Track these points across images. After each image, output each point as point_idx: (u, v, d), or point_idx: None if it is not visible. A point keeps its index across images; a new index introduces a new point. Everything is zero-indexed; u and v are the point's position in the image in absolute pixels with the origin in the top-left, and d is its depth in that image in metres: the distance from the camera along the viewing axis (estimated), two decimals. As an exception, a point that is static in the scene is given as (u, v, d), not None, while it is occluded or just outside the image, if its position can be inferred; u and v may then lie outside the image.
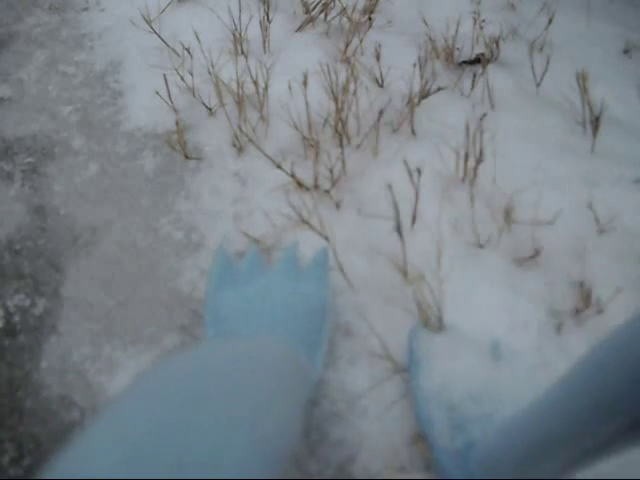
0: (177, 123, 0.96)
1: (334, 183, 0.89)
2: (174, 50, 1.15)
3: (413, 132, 0.96)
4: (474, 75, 1.01)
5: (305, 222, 0.78)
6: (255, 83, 0.98)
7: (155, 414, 0.33)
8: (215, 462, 0.31)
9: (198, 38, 1.09)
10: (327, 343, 0.69)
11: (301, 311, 0.67)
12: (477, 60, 1.09)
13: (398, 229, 0.68)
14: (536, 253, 0.79)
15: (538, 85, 1.03)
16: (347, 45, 1.09)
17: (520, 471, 0.53)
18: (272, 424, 0.38)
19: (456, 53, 1.09)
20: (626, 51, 1.11)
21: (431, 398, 0.67)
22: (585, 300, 0.74)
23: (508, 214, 0.81)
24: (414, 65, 0.99)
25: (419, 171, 0.73)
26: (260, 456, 0.34)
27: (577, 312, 0.75)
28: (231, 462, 0.32)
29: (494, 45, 1.08)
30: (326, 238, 0.79)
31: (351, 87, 1.00)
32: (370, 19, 1.18)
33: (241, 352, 0.45)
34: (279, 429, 0.38)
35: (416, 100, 0.98)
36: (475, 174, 0.90)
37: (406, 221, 0.85)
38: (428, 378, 0.68)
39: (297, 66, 1.07)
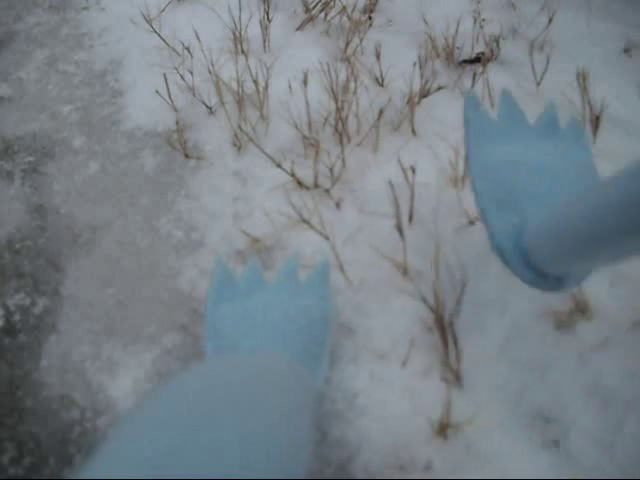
0: (177, 122, 0.96)
1: (334, 182, 0.89)
2: (174, 49, 1.14)
3: (413, 131, 0.96)
4: (474, 74, 1.01)
5: (305, 221, 0.78)
6: (255, 82, 0.98)
7: (169, 434, 0.32)
8: None
9: (198, 37, 1.09)
10: (329, 355, 0.68)
11: (302, 324, 0.66)
12: (477, 59, 1.09)
13: (399, 227, 0.68)
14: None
15: (538, 84, 1.03)
16: (347, 44, 1.09)
17: (575, 251, 0.52)
18: (286, 440, 0.37)
19: (456, 52, 1.09)
20: (626, 50, 1.11)
21: (481, 173, 0.64)
22: (582, 301, 0.74)
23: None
24: (414, 64, 0.99)
25: (413, 170, 0.73)
26: (277, 473, 0.34)
27: (572, 313, 0.75)
28: None
29: (494, 44, 1.08)
30: (326, 237, 0.79)
31: (351, 86, 1.00)
32: (370, 18, 1.18)
33: (249, 369, 0.45)
34: (292, 445, 0.38)
35: (416, 99, 0.98)
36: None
37: (404, 219, 0.85)
38: (480, 153, 0.65)
39: (297, 65, 1.07)
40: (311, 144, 0.94)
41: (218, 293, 0.70)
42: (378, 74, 1.06)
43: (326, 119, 0.97)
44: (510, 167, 0.63)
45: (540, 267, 0.59)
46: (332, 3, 1.17)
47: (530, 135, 0.67)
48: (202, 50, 1.08)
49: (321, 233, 0.78)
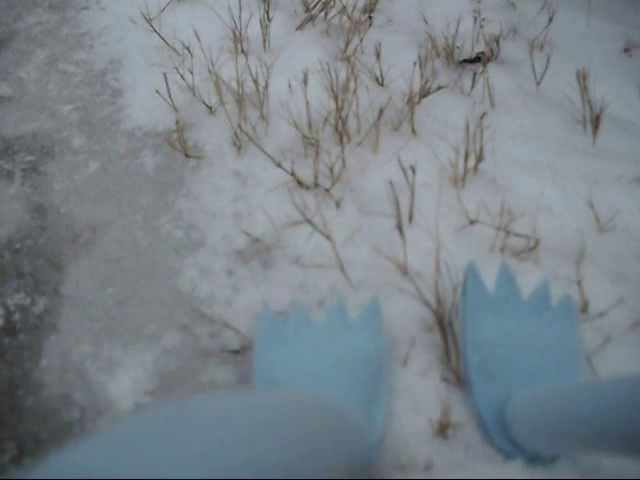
0: (177, 122, 0.96)
1: (334, 182, 0.89)
2: (174, 49, 1.14)
3: (413, 131, 0.96)
4: (474, 74, 1.01)
5: (307, 220, 0.78)
6: (255, 82, 0.98)
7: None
8: None
9: (198, 37, 1.09)
10: (386, 395, 0.67)
11: (356, 363, 0.65)
12: (477, 59, 1.09)
13: (399, 227, 0.68)
14: (536, 244, 0.79)
15: (538, 84, 1.03)
16: (347, 44, 1.09)
17: (551, 440, 0.56)
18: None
19: (456, 52, 1.09)
20: (626, 50, 1.11)
21: (474, 345, 0.68)
22: (582, 300, 0.74)
23: (508, 213, 0.81)
24: (414, 64, 0.99)
25: (413, 169, 0.73)
26: None
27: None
28: None
29: (494, 44, 1.08)
30: (327, 236, 0.79)
31: (351, 86, 1.00)
32: (370, 18, 1.18)
33: (276, 398, 0.44)
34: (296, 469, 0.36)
35: (416, 99, 0.98)
36: (475, 172, 0.90)
37: (404, 219, 0.85)
38: (474, 326, 0.69)
39: (297, 65, 1.07)
40: (311, 144, 0.94)
41: (267, 340, 0.68)
42: (378, 74, 1.06)
43: (326, 119, 0.97)
44: (500, 342, 0.67)
45: (517, 441, 0.62)
46: (332, 3, 1.17)
47: (523, 311, 0.70)
48: (202, 50, 1.08)
49: (321, 232, 0.78)
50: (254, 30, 1.15)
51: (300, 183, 0.90)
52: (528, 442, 0.61)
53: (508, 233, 0.81)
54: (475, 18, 1.11)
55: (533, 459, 0.63)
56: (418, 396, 0.70)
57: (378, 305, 0.73)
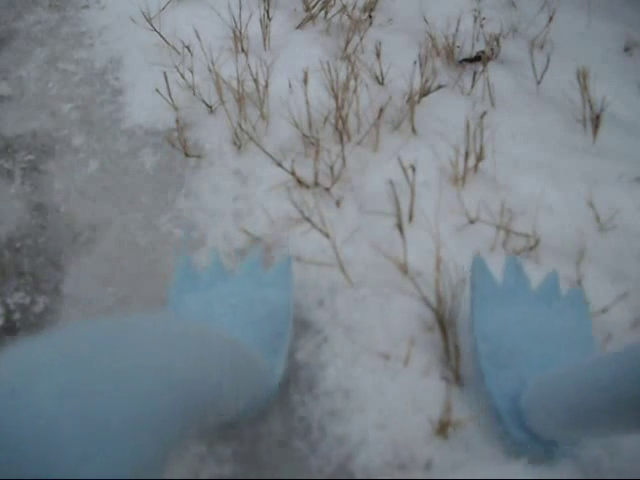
0: (177, 121, 0.96)
1: (334, 181, 0.89)
2: (174, 48, 1.14)
3: (413, 130, 0.96)
4: (474, 73, 1.01)
5: (306, 219, 0.78)
6: (255, 81, 0.98)
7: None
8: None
9: (198, 36, 1.09)
10: (288, 348, 0.69)
11: (263, 315, 0.68)
12: (477, 58, 1.09)
13: (399, 226, 0.68)
14: (536, 243, 0.79)
15: (538, 83, 1.03)
16: (347, 43, 1.08)
17: (568, 421, 0.55)
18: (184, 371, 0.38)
19: (456, 51, 1.09)
20: (627, 49, 1.11)
21: (484, 335, 0.67)
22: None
23: (508, 212, 0.81)
24: (414, 63, 0.99)
25: (413, 168, 0.73)
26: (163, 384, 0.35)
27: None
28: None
29: (494, 43, 1.08)
30: (327, 235, 0.79)
31: (351, 85, 1.00)
32: (370, 17, 1.18)
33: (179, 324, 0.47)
34: (193, 377, 0.39)
35: (416, 98, 0.98)
36: (475, 172, 0.90)
37: (404, 218, 0.85)
38: (484, 316, 0.69)
39: (297, 64, 1.07)
40: (311, 143, 0.94)
41: (181, 284, 0.71)
42: (378, 73, 1.06)
43: (326, 118, 0.97)
44: (511, 331, 0.67)
45: (533, 430, 0.62)
46: (332, 2, 1.17)
47: (532, 300, 0.70)
48: (202, 49, 1.08)
49: (321, 231, 0.78)
50: (254, 29, 1.15)
51: (300, 182, 0.90)
52: (544, 428, 0.60)
53: (508, 232, 0.81)
54: (475, 17, 1.11)
55: (546, 451, 0.62)
56: (418, 395, 0.70)
57: (289, 262, 0.75)
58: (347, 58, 1.06)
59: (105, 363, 0.32)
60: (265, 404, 0.67)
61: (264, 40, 1.11)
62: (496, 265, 0.75)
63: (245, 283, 0.71)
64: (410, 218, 0.84)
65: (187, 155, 0.97)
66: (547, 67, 1.00)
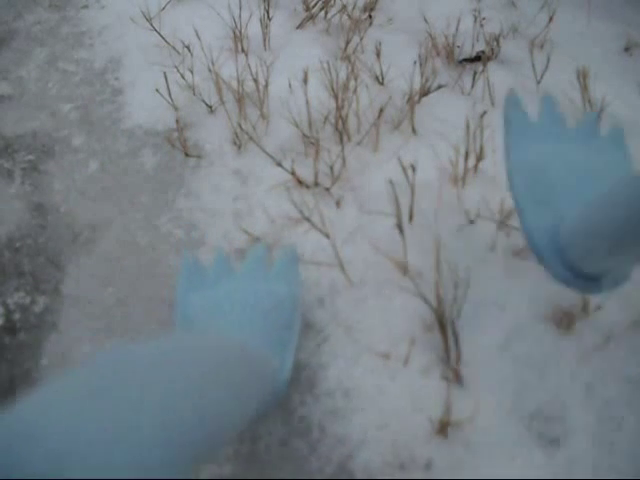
0: (177, 121, 0.96)
1: (334, 181, 0.89)
2: (174, 48, 1.14)
3: (413, 130, 0.96)
4: (474, 73, 1.01)
5: (306, 219, 0.78)
6: (255, 81, 0.98)
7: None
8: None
9: (198, 36, 1.09)
10: (297, 340, 0.69)
11: (270, 309, 0.67)
12: (477, 58, 1.09)
13: (399, 226, 0.68)
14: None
15: (538, 83, 1.03)
16: (347, 43, 1.09)
17: (608, 248, 0.52)
18: (188, 410, 0.38)
19: (456, 51, 1.09)
20: (626, 49, 1.11)
21: (519, 170, 0.64)
22: (582, 299, 0.74)
23: (509, 211, 0.81)
24: (414, 63, 0.99)
25: (413, 168, 0.73)
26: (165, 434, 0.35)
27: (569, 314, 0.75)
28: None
29: (495, 43, 1.08)
30: (326, 235, 0.79)
31: (351, 85, 1.00)
32: (370, 17, 1.18)
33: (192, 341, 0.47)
34: (197, 415, 0.39)
35: (416, 98, 0.98)
36: (475, 172, 0.90)
37: (404, 218, 0.85)
38: (519, 151, 0.65)
39: (297, 64, 1.07)
40: (311, 143, 0.94)
41: (187, 282, 0.71)
42: (378, 72, 1.06)
43: (326, 118, 0.97)
44: (548, 166, 0.63)
45: (576, 265, 0.58)
46: (332, 1, 1.17)
47: (570, 137, 0.66)
48: (202, 49, 1.08)
49: (321, 231, 0.78)
50: (254, 29, 1.15)
51: (300, 182, 0.90)
52: (587, 260, 0.57)
53: (508, 232, 0.81)
54: (475, 17, 1.11)
55: (591, 286, 0.59)
56: (418, 395, 0.70)
57: (295, 254, 0.75)
58: (347, 58, 1.06)
59: (104, 407, 0.32)
60: (274, 403, 0.68)
61: (264, 40, 1.11)
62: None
63: (251, 278, 0.71)
64: (410, 218, 0.84)
65: (187, 155, 0.97)
66: (547, 67, 1.00)
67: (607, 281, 0.59)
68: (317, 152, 0.88)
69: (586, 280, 0.59)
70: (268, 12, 1.11)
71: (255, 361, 0.56)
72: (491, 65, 1.06)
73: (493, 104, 1.00)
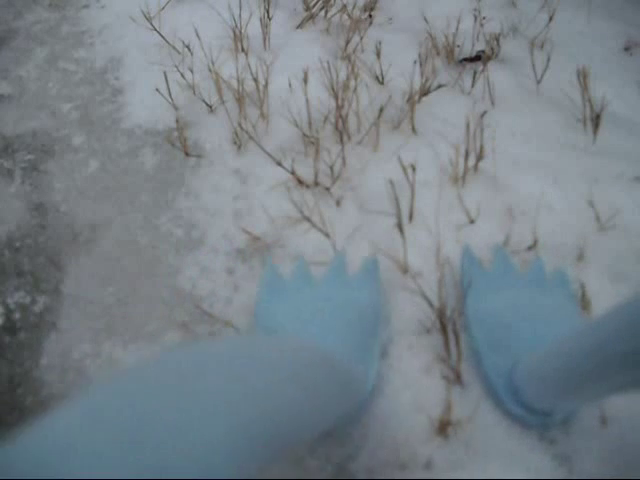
0: (177, 120, 0.96)
1: (334, 180, 0.89)
2: (174, 47, 1.14)
3: (413, 129, 0.96)
4: (474, 72, 1.01)
5: (306, 218, 0.78)
6: (255, 80, 0.98)
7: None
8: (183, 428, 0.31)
9: (198, 35, 1.09)
10: (380, 348, 0.69)
11: (352, 318, 0.67)
12: (477, 57, 1.09)
13: (399, 226, 0.68)
14: (535, 243, 0.79)
15: (539, 82, 1.03)
16: (347, 42, 1.08)
17: (561, 389, 0.57)
18: (256, 411, 0.36)
19: (456, 50, 1.09)
20: (627, 48, 1.11)
21: (477, 318, 0.70)
22: (582, 299, 0.74)
23: (508, 211, 0.81)
24: (414, 62, 0.99)
25: (413, 168, 0.73)
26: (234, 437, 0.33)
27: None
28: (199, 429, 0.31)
29: (495, 42, 1.08)
30: (327, 235, 0.79)
31: (351, 84, 1.00)
32: (370, 16, 1.18)
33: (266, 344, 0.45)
34: (267, 417, 0.37)
35: (416, 97, 0.98)
36: (475, 171, 0.90)
37: (404, 218, 0.85)
38: (476, 302, 0.71)
39: (297, 63, 1.07)
40: (311, 142, 0.94)
41: (268, 293, 0.72)
42: (378, 72, 1.06)
43: (326, 117, 0.97)
44: (503, 312, 0.69)
45: (529, 403, 0.64)
46: (332, 1, 1.17)
47: (520, 284, 0.73)
48: (202, 48, 1.08)
49: (321, 231, 0.78)
50: (254, 29, 1.15)
51: (300, 182, 0.90)
52: (539, 399, 0.62)
53: (508, 232, 0.81)
54: (475, 17, 1.11)
55: (542, 421, 0.64)
56: (418, 394, 0.70)
57: (376, 262, 0.76)
58: (347, 58, 1.06)
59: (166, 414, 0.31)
60: (357, 410, 0.67)
61: (264, 40, 1.11)
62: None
63: (331, 287, 0.71)
64: (410, 218, 0.84)
65: (187, 155, 0.97)
66: (547, 66, 1.00)
67: (557, 415, 0.64)
68: (317, 152, 0.88)
69: (539, 416, 0.64)
70: (268, 12, 1.11)
71: (337, 367, 0.54)
72: (491, 65, 1.06)
73: (493, 104, 1.00)
